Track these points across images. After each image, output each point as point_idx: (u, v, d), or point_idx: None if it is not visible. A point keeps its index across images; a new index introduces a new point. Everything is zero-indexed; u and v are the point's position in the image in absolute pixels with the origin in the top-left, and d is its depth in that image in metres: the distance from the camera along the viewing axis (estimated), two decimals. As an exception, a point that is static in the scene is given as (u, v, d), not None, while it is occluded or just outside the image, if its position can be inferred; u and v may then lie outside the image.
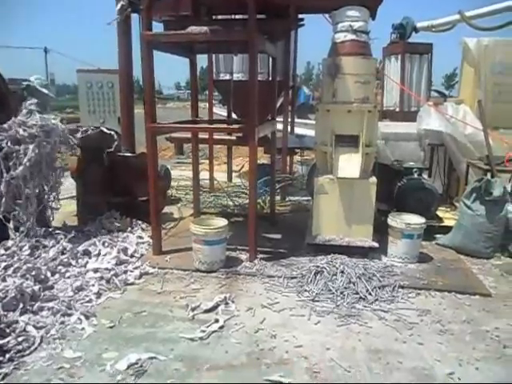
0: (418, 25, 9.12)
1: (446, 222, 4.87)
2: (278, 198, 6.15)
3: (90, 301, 3.30)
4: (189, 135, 5.70)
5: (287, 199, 6.42)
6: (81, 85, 6.90)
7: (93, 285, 3.51)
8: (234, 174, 7.86)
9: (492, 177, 4.45)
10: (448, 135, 5.25)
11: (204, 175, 6.71)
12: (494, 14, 8.27)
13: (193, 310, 3.17)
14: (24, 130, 4.05)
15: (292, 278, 3.69)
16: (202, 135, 6.11)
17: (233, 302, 3.31)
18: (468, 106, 5.53)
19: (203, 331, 2.89)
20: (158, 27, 4.43)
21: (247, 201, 4.43)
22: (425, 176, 5.31)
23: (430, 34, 9.97)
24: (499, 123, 5.42)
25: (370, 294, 3.39)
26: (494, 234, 4.26)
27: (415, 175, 4.90)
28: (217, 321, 3.01)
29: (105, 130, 4.81)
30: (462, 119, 5.34)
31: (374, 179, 4.12)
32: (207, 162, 7.27)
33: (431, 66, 8.10)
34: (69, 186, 5.16)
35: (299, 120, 9.86)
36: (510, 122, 5.51)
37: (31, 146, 4.01)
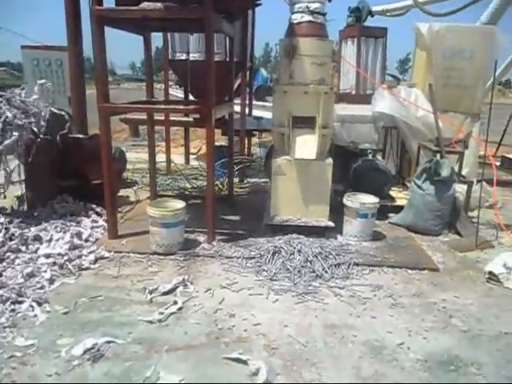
0: (374, 9, 9.29)
1: (399, 202, 5.08)
2: (236, 179, 6.16)
3: (42, 287, 3.19)
4: (144, 116, 5.56)
5: (246, 181, 6.46)
6: (26, 62, 6.57)
7: (45, 271, 3.39)
8: (191, 157, 7.78)
9: (441, 158, 4.66)
10: (400, 118, 5.42)
11: (161, 158, 6.61)
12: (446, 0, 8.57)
13: (151, 292, 3.14)
14: None
15: (250, 258, 3.73)
16: (158, 116, 5.99)
17: (191, 283, 3.31)
18: (420, 89, 5.71)
19: (161, 313, 2.88)
20: (109, 2, 4.25)
21: (205, 183, 4.41)
22: (379, 157, 5.48)
23: (386, 19, 10.21)
24: (449, 106, 5.64)
25: (326, 271, 3.49)
26: (443, 213, 4.49)
27: (370, 157, 5.04)
28: (175, 302, 3.01)
29: (55, 111, 4.60)
30: (414, 102, 5.53)
31: (330, 160, 4.21)
32: (164, 144, 7.15)
33: (386, 50, 8.27)
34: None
35: (257, 102, 9.84)
36: (459, 105, 5.75)
37: None
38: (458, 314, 3.03)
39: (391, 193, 5.26)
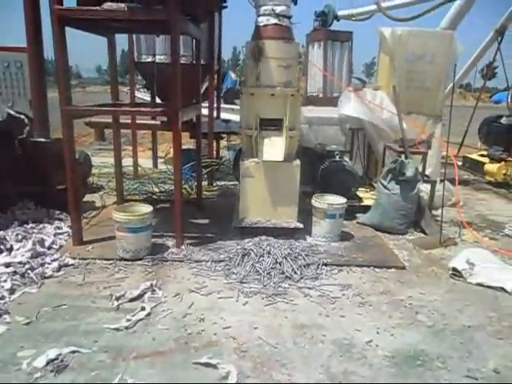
0: (339, 13, 9.46)
1: (366, 202, 5.18)
2: (205, 183, 6.12)
3: (1, 298, 3.06)
4: (110, 120, 5.45)
5: (214, 184, 6.42)
6: (-17, 64, 6.32)
7: (5, 280, 3.25)
8: (159, 160, 7.67)
9: (406, 158, 4.78)
10: (366, 120, 5.53)
11: (128, 162, 6.49)
12: (409, 5, 8.82)
13: (117, 299, 3.07)
14: None
15: (220, 261, 3.71)
16: (124, 120, 5.88)
17: (160, 288, 3.26)
18: (385, 92, 5.85)
19: (129, 320, 2.82)
20: (71, 2, 4.15)
21: (173, 187, 4.35)
22: (346, 159, 5.57)
23: (351, 23, 10.41)
24: (412, 108, 5.81)
25: (295, 272, 3.51)
26: (408, 212, 4.60)
27: (337, 158, 5.11)
28: (143, 309, 2.95)
29: (14, 114, 4.45)
30: (379, 104, 5.65)
31: (297, 162, 4.24)
32: (130, 147, 7.03)
33: (352, 54, 8.44)
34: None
35: (226, 105, 9.82)
36: (422, 107, 5.93)
37: None
38: (424, 309, 3.11)
39: (358, 193, 5.36)
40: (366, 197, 5.35)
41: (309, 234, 4.33)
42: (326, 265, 3.72)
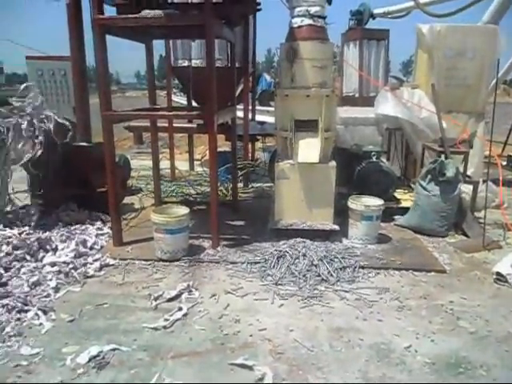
0: (375, 11, 9.29)
1: (404, 204, 5.04)
2: (240, 184, 6.16)
3: (47, 296, 3.20)
4: (148, 124, 5.58)
5: (250, 186, 6.45)
6: (31, 73, 6.63)
7: (50, 279, 3.41)
8: (196, 163, 7.79)
9: (446, 158, 4.63)
10: (404, 119, 5.40)
11: (165, 164, 6.63)
12: (448, 0, 8.54)
13: (155, 299, 3.14)
14: None
15: (255, 263, 3.72)
16: (161, 123, 6.01)
17: (196, 289, 3.31)
18: (423, 90, 5.69)
19: (166, 320, 2.87)
20: (111, 12, 4.29)
21: (209, 189, 4.40)
22: (383, 159, 5.45)
23: (387, 21, 10.19)
24: (452, 107, 5.61)
25: (331, 275, 3.47)
26: (448, 213, 4.45)
27: (374, 159, 5.02)
28: (180, 309, 3.00)
29: (58, 120, 4.63)
30: (417, 103, 5.50)
31: (333, 163, 4.20)
32: (168, 150, 7.17)
33: (388, 52, 8.28)
34: (19, 179, 4.96)
35: (261, 107, 9.86)
36: (462, 105, 5.72)
37: None
38: (466, 315, 2.99)
39: (396, 194, 5.23)
40: (404, 198, 5.21)
41: (345, 236, 4.27)
42: (362, 268, 3.66)
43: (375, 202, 4.27)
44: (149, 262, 3.80)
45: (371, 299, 3.19)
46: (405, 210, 4.81)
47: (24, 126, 4.29)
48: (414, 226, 4.58)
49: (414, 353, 2.58)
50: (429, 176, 4.51)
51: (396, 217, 4.86)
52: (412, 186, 5.44)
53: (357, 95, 8.12)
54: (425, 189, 4.51)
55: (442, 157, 4.67)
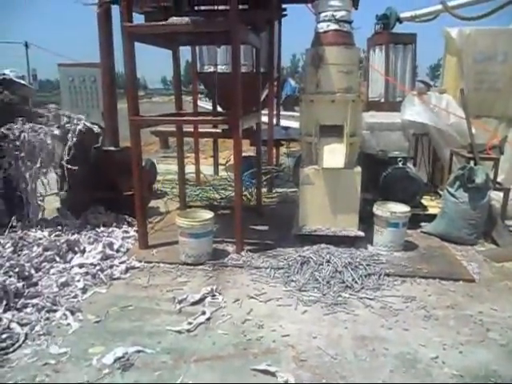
0: (402, 15, 9.15)
1: (431, 210, 4.93)
2: (264, 189, 6.16)
3: (75, 296, 3.27)
4: (174, 129, 5.66)
5: (274, 191, 6.43)
6: (62, 79, 6.84)
7: (78, 280, 3.48)
8: (220, 168, 7.83)
9: (475, 164, 4.50)
10: (431, 125, 5.29)
11: (190, 169, 6.69)
12: (477, 3, 8.34)
13: (179, 302, 3.16)
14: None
15: (279, 268, 3.70)
16: (187, 128, 6.08)
17: (220, 293, 3.32)
18: (451, 95, 5.57)
19: (190, 323, 2.89)
20: (139, 19, 4.38)
21: (233, 193, 4.42)
22: (410, 165, 5.35)
23: (414, 25, 10.02)
24: (482, 111, 5.47)
25: (356, 282, 3.42)
26: (477, 221, 4.32)
27: (400, 164, 4.93)
28: (204, 313, 3.01)
29: (88, 125, 4.75)
30: (445, 108, 5.38)
31: (358, 169, 4.15)
32: (193, 155, 7.24)
33: (415, 56, 8.14)
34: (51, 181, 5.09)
35: (285, 112, 9.84)
36: (493, 110, 5.57)
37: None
38: (496, 326, 2.89)
39: (423, 201, 5.12)
40: (431, 205, 5.09)
41: (370, 243, 4.21)
42: (388, 275, 3.60)
43: (401, 208, 4.19)
44: (173, 266, 3.83)
45: (397, 308, 3.12)
46: (432, 217, 4.70)
47: (57, 132, 4.42)
48: (441, 233, 4.47)
49: (440, 364, 2.51)
50: (457, 182, 4.40)
51: (423, 224, 4.75)
52: (439, 192, 5.33)
53: (383, 100, 8.02)
54: (453, 195, 4.40)
55: (471, 163, 4.55)
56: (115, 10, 4.78)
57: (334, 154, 4.08)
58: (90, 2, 4.27)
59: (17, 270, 3.34)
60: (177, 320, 2.96)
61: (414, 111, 5.37)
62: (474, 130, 4.83)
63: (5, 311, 2.90)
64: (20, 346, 2.65)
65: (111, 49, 5.07)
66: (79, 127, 4.56)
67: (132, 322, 2.96)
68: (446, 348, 2.66)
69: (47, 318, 2.96)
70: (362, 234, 4.12)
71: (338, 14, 4.01)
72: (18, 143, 4.23)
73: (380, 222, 4.14)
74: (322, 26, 4.08)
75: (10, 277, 3.22)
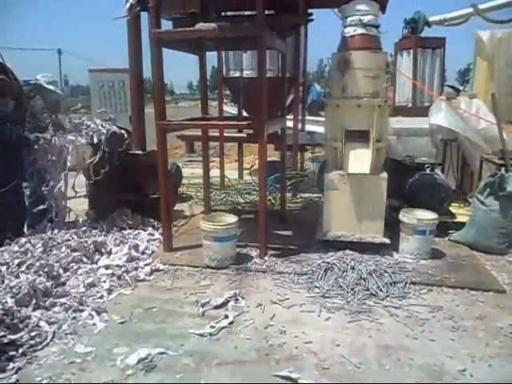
0: (431, 19, 8.98)
1: (460, 218, 4.80)
2: (289, 194, 6.14)
3: (101, 297, 3.33)
4: (199, 133, 5.72)
5: (298, 196, 6.41)
6: (92, 84, 7.03)
7: (104, 281, 3.54)
8: (245, 172, 7.86)
9: (506, 171, 4.37)
10: (460, 131, 5.17)
11: (215, 173, 6.74)
12: (509, 6, 8.12)
13: (202, 306, 3.18)
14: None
15: (302, 274, 3.68)
16: (212, 133, 6.13)
17: (243, 298, 3.32)
18: (481, 100, 5.43)
19: (213, 327, 2.90)
20: (167, 25, 4.46)
21: (257, 198, 4.43)
22: (437, 171, 5.23)
23: (443, 29, 9.82)
24: (514, 117, 5.33)
25: (380, 290, 3.36)
26: (509, 230, 4.18)
27: (427, 171, 4.83)
28: (226, 317, 3.02)
29: (115, 129, 4.85)
30: (475, 114, 5.25)
31: (384, 174, 4.09)
32: (218, 159, 7.29)
33: (444, 61, 7.98)
34: (80, 183, 5.22)
35: (310, 117, 9.80)
36: (525, 115, 5.42)
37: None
38: (528, 340, 2.79)
39: (451, 209, 5.00)
40: (460, 213, 4.96)
41: (396, 251, 4.13)
42: (414, 284, 3.52)
43: (428, 215, 4.10)
44: (197, 269, 3.86)
45: (423, 317, 3.05)
46: (460, 225, 4.57)
47: (83, 139, 4.54)
48: (470, 242, 4.34)
49: (468, 377, 2.43)
50: (487, 190, 4.27)
51: (451, 232, 4.63)
52: (468, 199, 5.19)
53: (410, 105, 7.88)
54: (483, 203, 4.27)
55: (503, 170, 4.41)
56: (144, 17, 4.89)
57: (360, 160, 4.04)
58: (120, 15, 4.37)
59: (46, 269, 3.43)
60: (200, 323, 2.98)
61: (442, 116, 5.26)
62: (505, 136, 4.68)
63: (34, 309, 2.97)
64: (48, 344, 2.71)
65: (140, 55, 5.17)
66: (105, 131, 4.67)
67: (155, 323, 2.99)
68: (474, 360, 2.57)
69: (74, 318, 3.02)
70: (387, 240, 4.06)
71: (366, 19, 3.97)
72: (47, 146, 4.37)
73: (406, 229, 4.06)
74: (349, 31, 4.05)
75: (39, 276, 3.31)
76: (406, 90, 7.96)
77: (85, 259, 3.85)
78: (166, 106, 4.28)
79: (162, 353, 2.62)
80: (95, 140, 4.60)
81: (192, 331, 2.87)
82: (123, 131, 4.92)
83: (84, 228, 4.44)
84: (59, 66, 37.57)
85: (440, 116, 5.27)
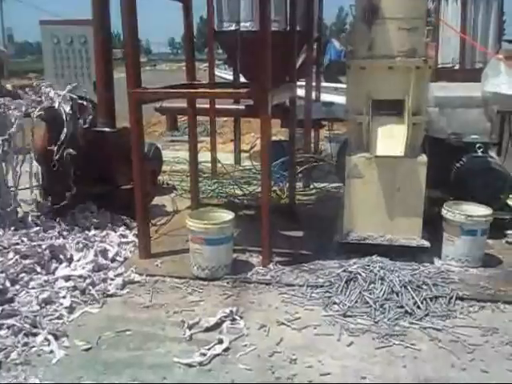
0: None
1: (521, 214, 4.83)
2: (299, 184, 6.15)
3: (60, 317, 3.36)
4: (184, 105, 5.71)
5: (311, 186, 6.42)
6: (45, 40, 6.96)
7: (64, 296, 3.57)
8: (243, 155, 7.86)
9: None
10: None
11: (205, 156, 6.74)
12: None
13: (190, 327, 3.20)
14: None
15: (317, 286, 3.70)
16: (201, 104, 6.12)
17: (241, 317, 3.34)
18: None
19: (203, 354, 2.92)
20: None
21: (260, 189, 4.44)
22: (492, 153, 5.24)
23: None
24: None
25: (418, 307, 3.39)
26: None
27: (479, 152, 4.84)
28: (221, 341, 3.05)
29: (76, 99, 4.84)
30: (542, 77, 5.24)
31: (423, 158, 4.11)
32: (208, 139, 7.29)
33: (502, 8, 7.97)
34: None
35: (328, 84, 9.79)
36: None
37: None
38: None
39: (510, 202, 5.02)
40: (522, 207, 4.99)
41: (437, 256, 4.17)
42: (461, 299, 3.55)
43: (480, 210, 4.13)
44: (182, 281, 3.88)
45: (472, 342, 3.08)
46: (522, 224, 4.61)
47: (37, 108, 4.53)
48: (534, 244, 4.37)
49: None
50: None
51: (509, 232, 4.67)
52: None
53: (457, 67, 7.90)
54: (551, 194, 4.29)
55: None
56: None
57: (392, 139, 4.06)
58: None
59: (-12, 282, 3.47)
60: (186, 350, 3.01)
61: (499, 81, 5.24)
62: None
63: (-27, 333, 3.02)
64: (-8, 377, 2.75)
65: (106, 2, 5.14)
66: (66, 106, 4.66)
67: (130, 350, 3.02)
68: (538, 397, 2.61)
69: (25, 344, 3.04)
70: (426, 243, 4.09)
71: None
72: None
73: (451, 229, 4.08)
74: (378, -30, 4.03)
75: (-21, 290, 3.34)
76: (452, 48, 7.96)
77: (38, 268, 3.88)
78: (142, 69, 4.27)
79: (139, 388, 2.66)
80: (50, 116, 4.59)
81: (177, 360, 2.89)
82: (86, 103, 4.90)
83: (37, 228, 4.46)
84: (0, 17, 37.44)
85: (497, 81, 5.25)
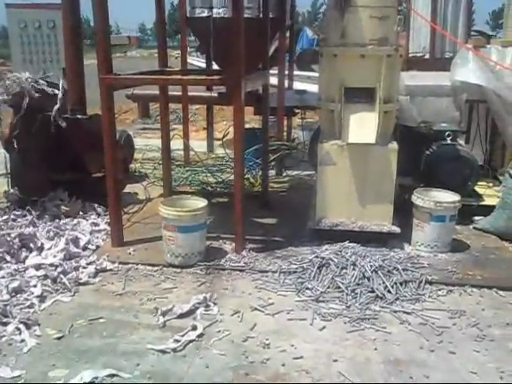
0: None
1: (488, 201, 4.94)
2: (272, 172, 6.17)
3: (31, 306, 3.32)
4: (156, 92, 5.65)
5: (284, 174, 6.45)
6: (12, 25, 6.80)
7: (34, 285, 3.53)
8: (216, 143, 7.84)
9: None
10: (490, 88, 5.25)
11: (177, 144, 6.70)
12: None
13: (163, 314, 3.20)
14: None
15: (290, 272, 3.73)
16: (173, 91, 6.06)
17: (215, 303, 3.36)
18: (518, 49, 5.51)
19: (177, 341, 2.93)
20: None
21: (232, 176, 4.44)
22: (461, 141, 5.34)
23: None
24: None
25: (389, 291, 3.45)
26: (548, 215, 4.33)
27: (448, 140, 4.92)
28: (194, 328, 3.05)
29: (46, 87, 4.75)
30: (510, 66, 5.33)
31: (394, 145, 4.15)
32: (181, 127, 7.24)
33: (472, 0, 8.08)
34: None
35: (300, 72, 9.81)
36: None
37: None
38: None
39: (477, 188, 5.13)
40: (488, 194, 5.11)
41: (408, 242, 4.24)
42: (430, 283, 3.63)
43: (449, 197, 4.20)
44: (156, 268, 3.88)
45: (441, 324, 3.15)
46: (489, 210, 4.70)
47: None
48: (500, 230, 4.48)
49: (496, 397, 2.55)
50: (523, 165, 4.40)
51: (476, 218, 4.77)
52: (499, 177, 5.31)
53: (427, 56, 7.97)
54: (517, 181, 4.40)
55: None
56: None
57: (363, 126, 4.08)
58: None
59: (-44, 271, 3.40)
60: (160, 336, 3.01)
61: (467, 70, 5.32)
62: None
63: None
64: (-39, 367, 2.70)
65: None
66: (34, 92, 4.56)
67: (103, 338, 3.01)
68: (503, 377, 2.68)
69: (-4, 333, 3.00)
70: (397, 229, 4.15)
71: None
72: None
73: (421, 215, 4.15)
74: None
75: None
76: (423, 37, 8.03)
77: (8, 257, 3.82)
78: (112, 55, 4.20)
79: (112, 375, 2.65)
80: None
81: (151, 347, 2.89)
82: (56, 90, 4.81)
83: (5, 217, 4.40)
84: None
85: (466, 70, 5.33)
